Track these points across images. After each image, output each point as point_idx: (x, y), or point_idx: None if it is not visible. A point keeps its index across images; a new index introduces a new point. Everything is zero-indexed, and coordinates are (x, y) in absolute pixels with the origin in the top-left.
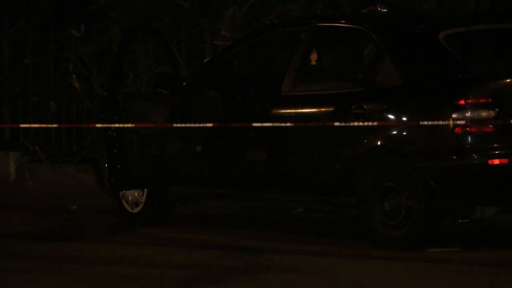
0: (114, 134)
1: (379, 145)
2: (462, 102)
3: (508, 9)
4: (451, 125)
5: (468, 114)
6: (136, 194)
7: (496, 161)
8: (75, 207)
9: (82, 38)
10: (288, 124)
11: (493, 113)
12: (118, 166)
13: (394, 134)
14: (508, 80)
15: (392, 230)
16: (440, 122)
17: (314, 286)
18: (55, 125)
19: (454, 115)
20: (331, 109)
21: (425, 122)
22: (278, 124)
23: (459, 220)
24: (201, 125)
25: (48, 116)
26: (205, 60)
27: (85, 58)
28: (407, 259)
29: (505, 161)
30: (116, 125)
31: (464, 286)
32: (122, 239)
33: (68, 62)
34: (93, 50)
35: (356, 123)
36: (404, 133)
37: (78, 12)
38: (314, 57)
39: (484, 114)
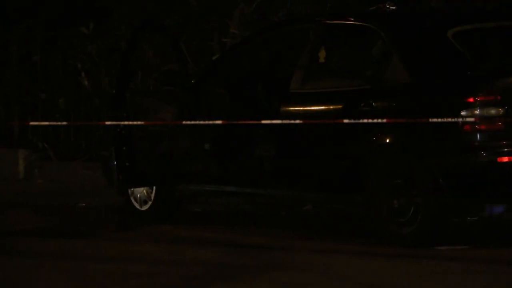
0: (123, 132)
1: (388, 142)
2: (471, 99)
3: None
4: (460, 123)
5: (477, 112)
6: (145, 191)
7: (505, 159)
8: (83, 204)
9: (91, 36)
10: (298, 121)
11: (502, 111)
12: (127, 164)
13: (403, 131)
14: None
15: (400, 228)
16: (450, 120)
17: (323, 284)
18: (64, 123)
19: (463, 113)
20: (340, 106)
21: (434, 120)
22: (287, 122)
23: (468, 218)
24: (210, 122)
25: (57, 113)
26: (213, 58)
27: (93, 55)
28: (415, 257)
29: None
30: (125, 122)
31: (472, 284)
32: (130, 237)
33: (77, 60)
34: (101, 48)
35: (364, 120)
36: (413, 130)
37: (86, 9)
38: (322, 54)
39: (493, 111)
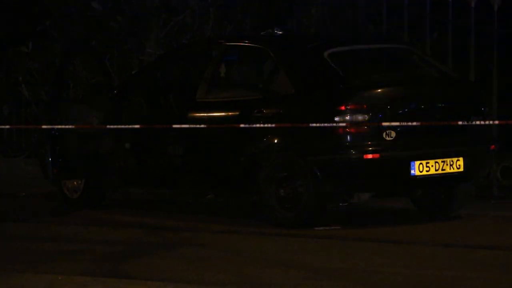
0: (57, 133)
1: (276, 142)
2: (342, 108)
3: (379, 33)
4: (334, 127)
5: (347, 118)
6: (75, 182)
7: (370, 156)
8: (23, 193)
9: (30, 54)
10: (202, 126)
11: (367, 117)
12: (60, 160)
13: (288, 133)
14: (379, 90)
15: (286, 212)
16: (325, 124)
17: (222, 258)
18: (7, 126)
19: (336, 118)
20: (237, 113)
21: (313, 124)
22: (194, 126)
23: (340, 204)
24: (130, 126)
25: (1, 118)
26: (133, 72)
27: (32, 70)
28: (298, 236)
29: (376, 156)
30: (59, 126)
31: (341, 256)
32: (63, 220)
33: (18, 73)
34: (39, 64)
35: (257, 125)
36: (296, 133)
37: (26, 32)
38: (223, 70)
39: (360, 117)
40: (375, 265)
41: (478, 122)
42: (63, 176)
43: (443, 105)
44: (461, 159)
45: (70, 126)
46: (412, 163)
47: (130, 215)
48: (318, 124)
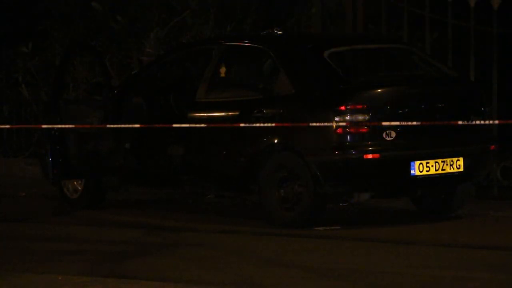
0: (57, 133)
1: (276, 142)
2: (342, 108)
3: (378, 33)
4: (334, 127)
5: (347, 118)
6: (75, 182)
7: (370, 156)
8: (23, 193)
9: (30, 54)
10: (202, 125)
11: (367, 117)
12: (60, 160)
13: (288, 133)
14: (379, 90)
15: (286, 212)
16: (325, 124)
17: (223, 259)
18: (7, 126)
19: (336, 118)
20: (237, 113)
21: (313, 124)
22: (194, 125)
23: (340, 204)
24: (130, 125)
25: (1, 118)
26: (133, 72)
27: (32, 70)
28: (298, 236)
29: (376, 156)
30: (59, 125)
31: (340, 256)
32: (63, 221)
33: (18, 73)
34: (39, 64)
35: (257, 124)
36: (296, 133)
37: (26, 32)
38: (223, 70)
39: (360, 117)
40: (375, 265)
41: (478, 122)
42: (63, 176)
43: (443, 105)
44: (461, 159)
45: (70, 126)
46: (412, 163)
47: (130, 215)
48: (318, 124)
